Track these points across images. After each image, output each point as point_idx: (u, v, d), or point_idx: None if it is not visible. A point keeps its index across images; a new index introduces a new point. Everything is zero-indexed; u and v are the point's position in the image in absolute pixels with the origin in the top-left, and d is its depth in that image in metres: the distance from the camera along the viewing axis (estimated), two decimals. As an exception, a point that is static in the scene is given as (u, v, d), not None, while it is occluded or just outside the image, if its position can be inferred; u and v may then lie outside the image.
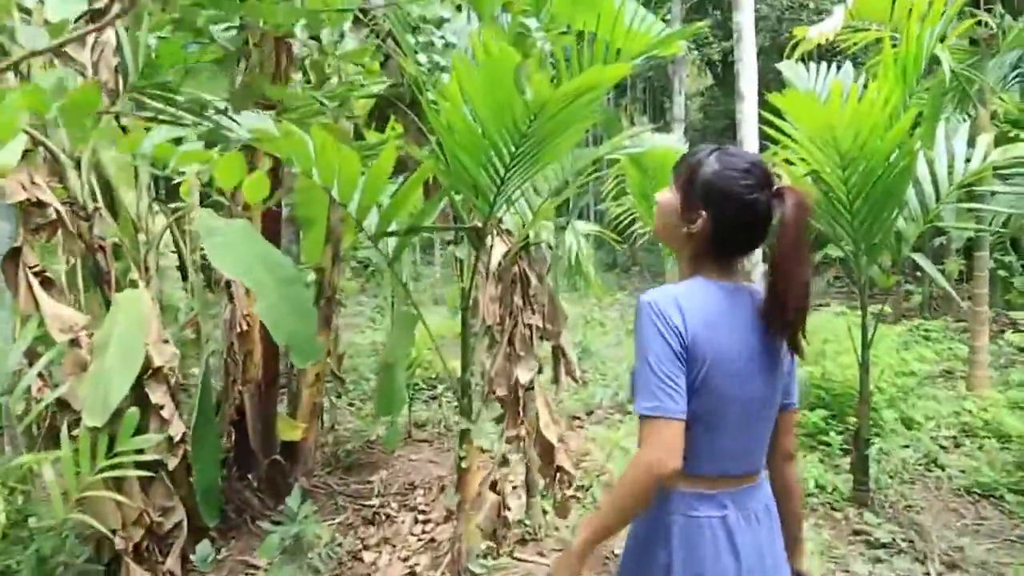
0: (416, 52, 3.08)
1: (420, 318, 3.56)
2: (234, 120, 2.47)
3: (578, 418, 6.52)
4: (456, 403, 3.47)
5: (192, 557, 3.98)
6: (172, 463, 3.80)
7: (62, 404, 3.66)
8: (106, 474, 3.32)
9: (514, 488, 4.31)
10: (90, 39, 3.45)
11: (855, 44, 6.46)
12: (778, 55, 5.34)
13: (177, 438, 3.79)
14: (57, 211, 3.50)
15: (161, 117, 2.94)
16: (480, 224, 3.17)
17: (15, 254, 3.52)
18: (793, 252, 1.60)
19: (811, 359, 6.09)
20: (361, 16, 3.66)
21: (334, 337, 5.27)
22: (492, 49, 2.22)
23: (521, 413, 3.55)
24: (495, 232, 3.43)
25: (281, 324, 3.52)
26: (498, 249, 3.56)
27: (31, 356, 3.53)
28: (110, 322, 3.63)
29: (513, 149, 2.83)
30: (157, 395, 3.76)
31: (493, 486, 3.74)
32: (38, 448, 3.66)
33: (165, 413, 3.77)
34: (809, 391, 5.83)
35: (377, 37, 3.67)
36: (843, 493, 4.70)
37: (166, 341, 3.83)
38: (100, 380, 3.45)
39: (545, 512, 4.11)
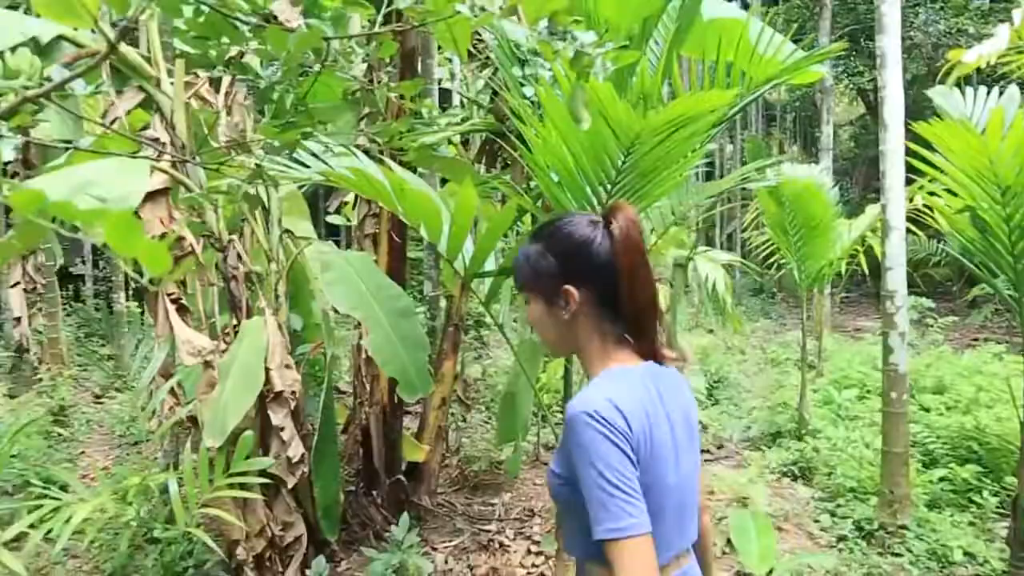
0: (522, 85, 2.75)
1: (539, 349, 3.23)
2: (305, 161, 2.24)
3: (707, 452, 5.95)
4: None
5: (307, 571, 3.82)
6: (291, 482, 3.66)
7: (192, 420, 3.61)
8: (224, 492, 3.20)
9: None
10: (224, 82, 3.37)
11: (1020, 67, 5.55)
12: (933, 83, 4.62)
13: (296, 459, 3.65)
14: (192, 244, 3.44)
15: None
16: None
17: (156, 282, 3.50)
18: (633, 274, 1.39)
19: (963, 407, 5.24)
20: (474, 50, 3.40)
21: (461, 362, 5.03)
22: (562, 81, 1.86)
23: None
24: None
25: (392, 358, 3.30)
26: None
27: (166, 376, 3.50)
28: (236, 347, 3.54)
29: (609, 186, 2.45)
30: (278, 417, 3.63)
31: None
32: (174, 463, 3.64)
33: (285, 435, 3.63)
34: (959, 442, 4.99)
35: (485, 68, 3.39)
36: (996, 569, 3.89)
37: (289, 366, 3.70)
38: (220, 403, 3.34)
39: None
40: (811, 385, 6.26)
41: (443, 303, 5.47)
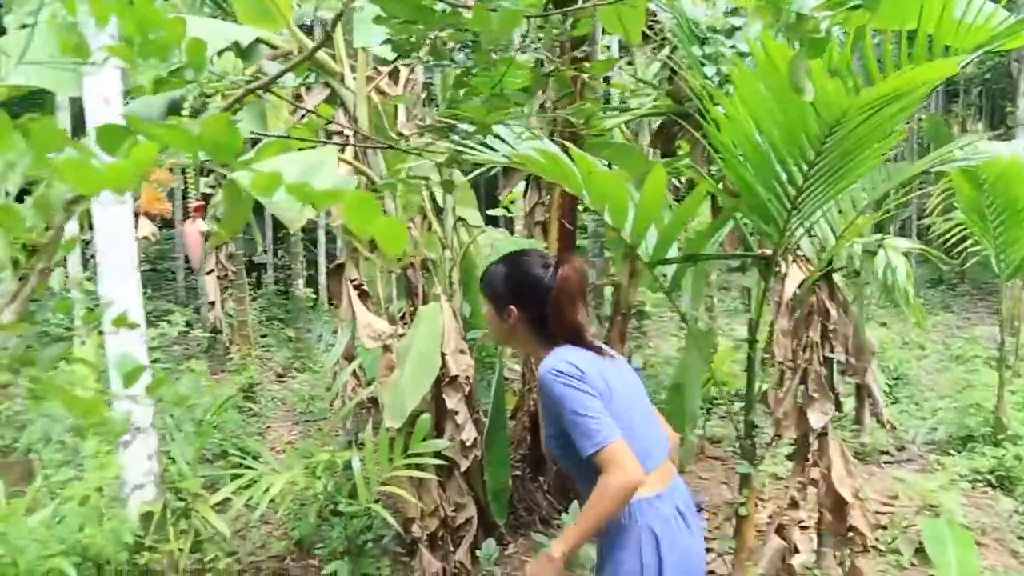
0: (703, 64, 2.62)
1: (709, 340, 3.10)
2: (494, 144, 2.22)
3: (887, 453, 5.53)
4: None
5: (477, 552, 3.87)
6: (463, 465, 3.72)
7: (372, 401, 3.74)
8: (402, 472, 3.30)
9: (803, 530, 3.64)
10: (403, 75, 3.44)
11: None
12: None
13: (469, 442, 3.70)
14: (374, 231, 3.55)
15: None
16: (769, 251, 2.64)
17: (340, 269, 3.64)
18: (560, 309, 1.88)
19: None
20: (648, 32, 3.28)
21: (628, 352, 4.93)
22: (772, 50, 1.72)
23: (812, 459, 2.93)
24: (788, 259, 2.85)
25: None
26: (793, 278, 2.97)
27: (349, 358, 3.64)
28: (413, 333, 3.63)
29: (806, 168, 2.28)
30: (453, 401, 3.69)
31: (780, 530, 3.15)
32: (354, 440, 3.79)
33: (459, 419, 3.69)
34: None
35: (662, 48, 3.25)
36: None
37: (463, 351, 3.75)
38: (399, 386, 3.44)
39: (841, 564, 3.41)
40: (1008, 386, 5.66)
41: (606, 292, 5.40)
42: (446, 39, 1.59)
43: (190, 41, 1.35)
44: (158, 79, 3.13)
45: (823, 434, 2.88)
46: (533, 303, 1.91)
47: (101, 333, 3.32)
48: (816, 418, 2.85)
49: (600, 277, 5.39)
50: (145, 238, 6.51)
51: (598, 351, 1.90)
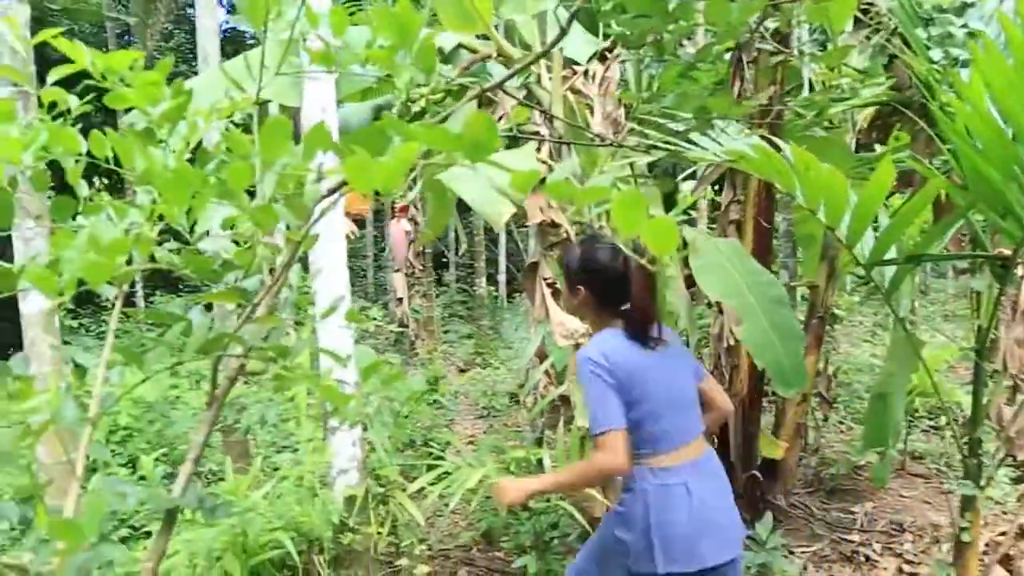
0: (928, 48, 2.40)
1: (917, 347, 2.85)
2: (702, 142, 2.14)
3: None
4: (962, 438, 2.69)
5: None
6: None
7: (564, 400, 3.75)
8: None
9: (1037, 564, 3.26)
10: (598, 74, 3.42)
11: None
12: None
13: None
14: (567, 231, 3.56)
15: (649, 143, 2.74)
16: (1008, 251, 2.37)
17: (533, 268, 3.68)
18: (641, 293, 2.13)
19: None
20: (861, 16, 3.04)
21: (825, 357, 4.65)
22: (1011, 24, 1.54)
23: (1052, 483, 2.61)
24: (1028, 260, 2.55)
25: (765, 349, 3.10)
26: (1032, 280, 2.66)
27: (541, 356, 3.67)
28: (604, 332, 3.60)
29: (1060, 157, 2.03)
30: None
31: (1005, 560, 2.84)
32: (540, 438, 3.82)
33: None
34: None
35: (878, 32, 3.00)
36: None
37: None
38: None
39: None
40: None
41: (799, 294, 5.12)
42: (672, 32, 1.55)
43: (422, 44, 1.39)
44: (367, 88, 3.26)
45: (1066, 457, 2.56)
46: (600, 285, 2.17)
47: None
48: (1058, 439, 2.54)
49: (791, 278, 5.12)
50: (345, 237, 6.94)
51: (644, 341, 2.12)
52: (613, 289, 2.14)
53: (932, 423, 6.00)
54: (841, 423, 5.93)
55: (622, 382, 2.04)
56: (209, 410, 1.55)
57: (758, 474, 4.26)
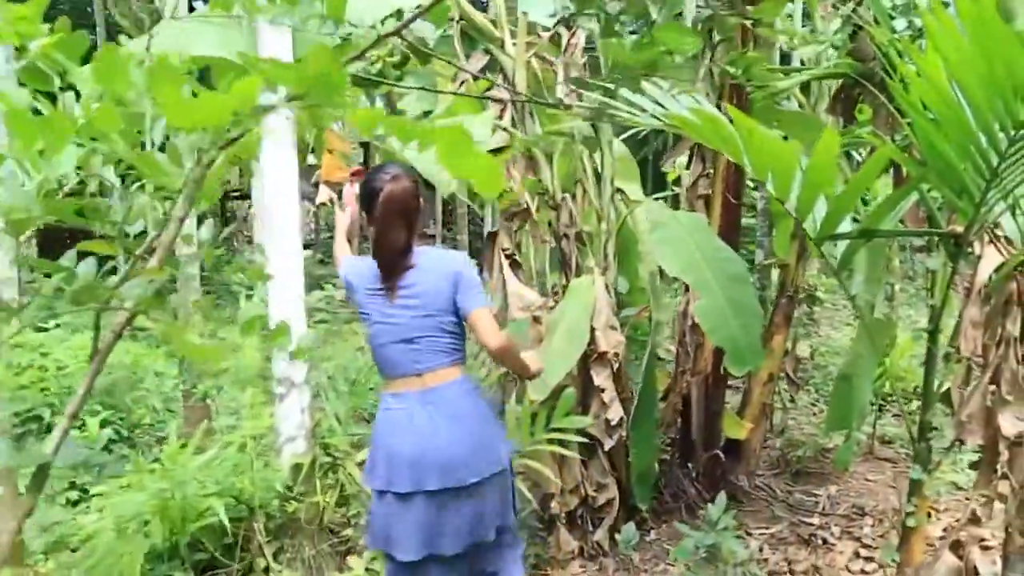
0: (892, 17, 2.29)
1: (883, 330, 2.77)
2: (641, 103, 2.03)
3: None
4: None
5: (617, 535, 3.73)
6: (608, 444, 3.58)
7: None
8: (543, 447, 3.21)
9: (986, 550, 3.20)
10: (564, 40, 3.31)
11: None
12: None
13: (614, 421, 3.56)
14: (527, 202, 3.47)
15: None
16: (961, 229, 2.28)
17: (492, 238, 3.59)
18: (381, 227, 2.26)
19: None
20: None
21: (794, 337, 4.57)
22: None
23: (1002, 470, 2.54)
24: (984, 239, 2.46)
25: (720, 326, 3.03)
26: (989, 260, 2.57)
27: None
28: (563, 306, 3.52)
29: (1012, 131, 1.93)
30: (600, 378, 3.55)
31: (956, 546, 2.77)
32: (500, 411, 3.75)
33: (606, 396, 3.55)
34: None
35: (844, 3, 2.88)
36: None
37: (614, 327, 3.59)
38: (546, 358, 3.34)
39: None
40: None
41: (774, 274, 5.03)
42: None
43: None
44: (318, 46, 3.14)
45: (1017, 443, 2.48)
46: (371, 211, 2.25)
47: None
48: (1009, 424, 2.45)
49: (767, 257, 5.04)
50: (323, 204, 6.82)
51: (391, 270, 2.27)
52: (370, 215, 2.27)
53: (903, 407, 5.93)
54: (813, 405, 5.87)
55: (358, 304, 2.36)
56: (92, 364, 1.47)
57: (720, 454, 4.21)
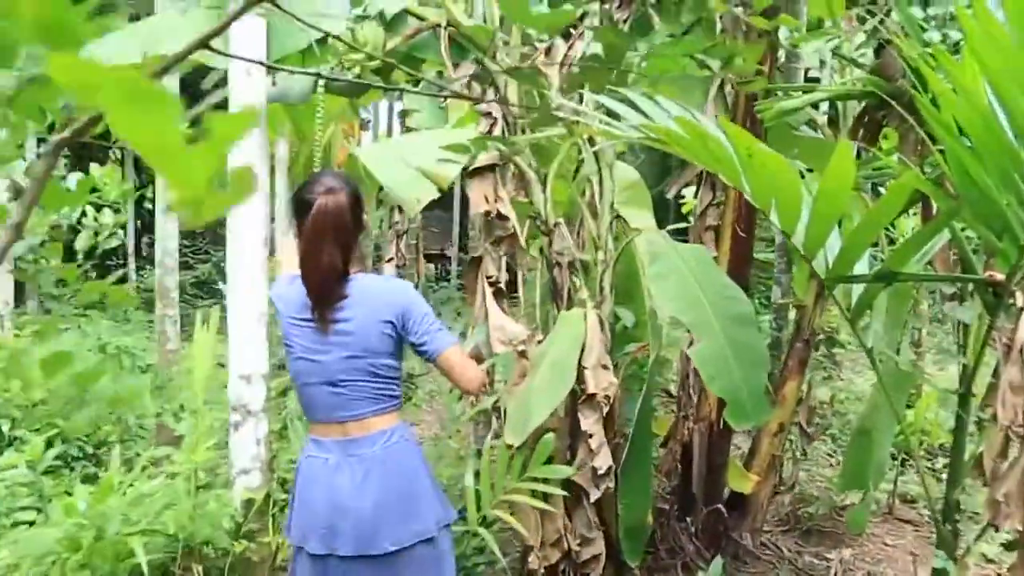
0: (924, 29, 1.94)
1: (905, 380, 2.38)
2: (622, 111, 1.69)
3: None
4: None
5: (604, 597, 3.32)
6: (594, 494, 3.20)
7: (502, 412, 3.32)
8: (516, 497, 2.85)
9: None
10: (559, 53, 2.99)
11: None
12: None
13: (602, 470, 3.17)
14: (514, 225, 3.14)
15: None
16: (1001, 276, 1.90)
17: (476, 263, 3.26)
18: (311, 239, 1.92)
19: None
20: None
21: (808, 384, 4.16)
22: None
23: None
24: (1029, 289, 2.07)
25: (720, 374, 2.65)
26: (1032, 314, 2.16)
27: (478, 360, 3.25)
28: (549, 340, 3.16)
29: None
30: (588, 422, 3.17)
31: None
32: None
33: (593, 442, 3.16)
34: None
35: (871, 17, 2.51)
36: None
37: (606, 367, 3.22)
38: (526, 398, 2.99)
39: None
40: None
41: (793, 314, 4.63)
42: None
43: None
44: (305, 50, 2.80)
45: (1062, 529, 2.07)
46: (300, 227, 1.95)
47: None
48: (1054, 508, 2.05)
49: (784, 295, 4.64)
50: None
51: (321, 298, 1.94)
52: (299, 230, 1.96)
53: (929, 465, 5.46)
54: (830, 456, 5.42)
55: (283, 331, 2.02)
56: None
57: (723, 508, 3.80)
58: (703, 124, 1.68)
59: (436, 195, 2.52)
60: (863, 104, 2.71)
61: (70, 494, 2.69)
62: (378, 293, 2.01)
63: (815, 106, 2.91)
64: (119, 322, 6.52)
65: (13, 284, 6.97)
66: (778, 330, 4.58)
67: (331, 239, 1.92)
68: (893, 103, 2.11)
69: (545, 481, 2.88)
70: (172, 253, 4.76)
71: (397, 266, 7.92)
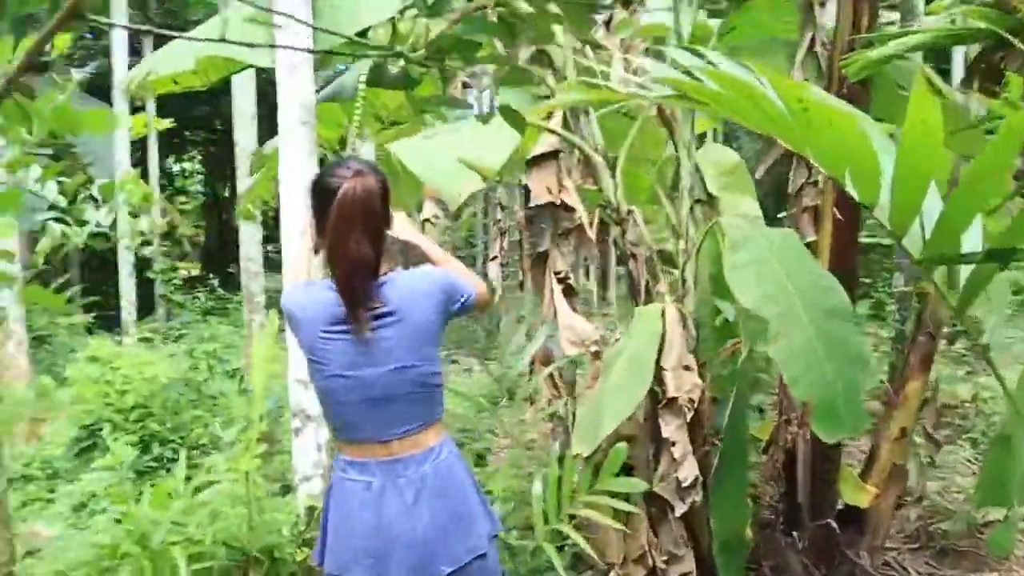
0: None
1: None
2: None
3: None
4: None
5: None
6: (679, 508, 2.87)
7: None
8: (584, 511, 2.57)
9: None
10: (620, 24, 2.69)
11: None
12: None
13: (687, 481, 2.84)
14: (580, 216, 2.87)
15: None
16: None
17: (542, 259, 3.00)
18: (338, 228, 1.66)
19: None
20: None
21: (935, 383, 3.61)
22: None
23: None
24: None
25: (807, 372, 2.25)
26: None
27: (544, 361, 2.99)
28: (625, 339, 2.86)
29: None
30: (670, 428, 2.86)
31: None
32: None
33: (676, 451, 2.85)
34: None
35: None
36: None
37: (689, 368, 2.89)
38: (597, 403, 2.70)
39: None
40: None
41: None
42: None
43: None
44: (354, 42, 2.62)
45: None
46: (322, 218, 1.71)
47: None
48: None
49: (907, 283, 4.09)
50: (427, 221, 6.43)
51: (356, 293, 1.69)
52: (321, 223, 1.73)
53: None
54: (970, 463, 4.74)
55: (306, 347, 1.76)
56: None
57: (834, 524, 3.34)
58: (745, 75, 1.35)
59: (480, 186, 2.28)
60: (979, 49, 2.21)
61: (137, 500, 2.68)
62: (416, 285, 1.78)
63: (926, 58, 2.44)
64: (239, 327, 6.74)
65: (135, 289, 7.36)
66: (901, 322, 4.03)
67: (360, 227, 1.68)
68: (1014, 41, 1.66)
69: (621, 494, 2.58)
70: (256, 259, 4.81)
71: (501, 264, 7.79)
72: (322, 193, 1.73)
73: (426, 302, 1.78)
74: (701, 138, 3.84)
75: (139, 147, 10.68)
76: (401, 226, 1.97)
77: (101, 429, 3.67)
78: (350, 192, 1.67)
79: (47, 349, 6.62)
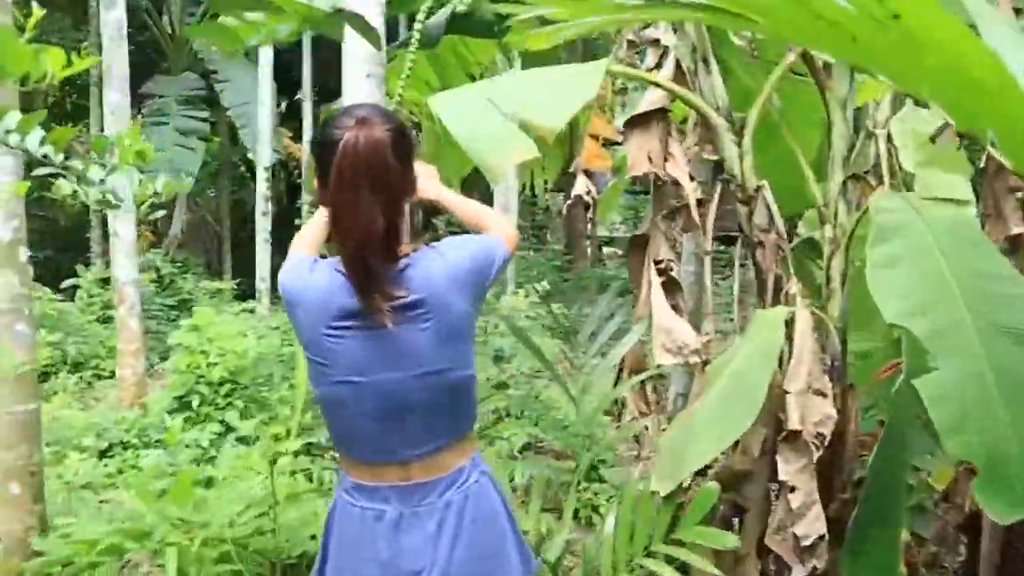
0: None
1: None
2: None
3: None
4: None
5: None
6: (797, 572, 2.35)
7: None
8: (653, 565, 2.13)
9: None
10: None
11: None
12: None
13: (809, 540, 2.30)
14: (688, 193, 2.41)
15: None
16: None
17: (641, 243, 2.57)
18: (339, 189, 1.39)
19: None
20: None
21: None
22: None
23: None
24: None
25: (963, 421, 1.67)
26: None
27: (634, 368, 2.56)
28: (734, 350, 2.37)
29: None
30: (790, 470, 2.31)
31: None
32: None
33: (796, 500, 2.31)
34: None
35: None
36: None
37: (823, 394, 2.34)
38: (686, 428, 2.24)
39: None
40: None
41: None
42: None
43: None
44: None
45: None
46: (324, 177, 1.44)
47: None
48: None
49: None
50: (578, 197, 5.99)
51: (368, 273, 1.40)
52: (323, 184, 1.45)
53: None
54: None
55: (305, 339, 1.51)
56: None
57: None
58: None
59: (535, 154, 1.87)
60: None
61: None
62: (449, 267, 1.49)
63: None
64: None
65: (269, 259, 7.64)
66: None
67: (367, 187, 1.37)
68: None
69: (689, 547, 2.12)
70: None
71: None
72: (322, 149, 1.44)
73: (461, 288, 1.48)
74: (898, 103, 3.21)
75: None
76: (425, 183, 1.65)
77: (191, 402, 3.75)
78: (351, 145, 1.37)
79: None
